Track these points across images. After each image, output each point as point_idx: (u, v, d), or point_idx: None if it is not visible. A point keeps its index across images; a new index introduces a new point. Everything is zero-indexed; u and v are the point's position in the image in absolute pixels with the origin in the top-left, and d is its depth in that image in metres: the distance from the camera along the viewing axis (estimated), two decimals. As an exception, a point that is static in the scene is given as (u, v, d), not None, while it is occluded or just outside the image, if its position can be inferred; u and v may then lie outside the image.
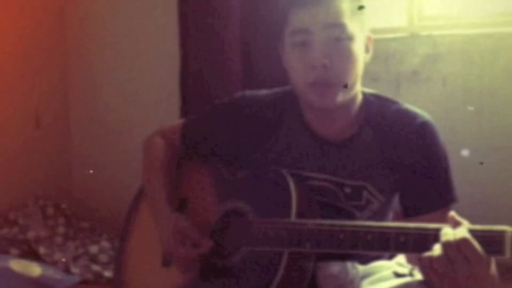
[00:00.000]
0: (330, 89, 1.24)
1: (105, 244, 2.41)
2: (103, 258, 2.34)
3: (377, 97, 1.36)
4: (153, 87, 2.69)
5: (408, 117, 1.30)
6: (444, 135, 2.30)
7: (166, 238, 1.34)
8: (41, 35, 2.68)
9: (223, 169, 1.43)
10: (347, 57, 1.24)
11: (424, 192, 1.29)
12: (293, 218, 1.20)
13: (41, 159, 2.67)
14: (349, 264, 1.26)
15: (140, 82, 2.72)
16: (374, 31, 2.39)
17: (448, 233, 0.99)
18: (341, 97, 1.26)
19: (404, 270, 1.25)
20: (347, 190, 1.31)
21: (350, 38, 1.24)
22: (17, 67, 2.58)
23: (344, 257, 1.27)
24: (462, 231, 0.98)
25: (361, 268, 1.28)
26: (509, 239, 0.96)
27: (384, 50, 2.27)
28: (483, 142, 2.19)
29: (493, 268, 1.01)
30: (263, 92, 1.43)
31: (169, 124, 1.57)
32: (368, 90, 1.37)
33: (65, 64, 2.84)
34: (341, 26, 1.23)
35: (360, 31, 1.27)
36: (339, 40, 1.23)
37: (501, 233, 0.97)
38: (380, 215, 1.35)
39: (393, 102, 1.35)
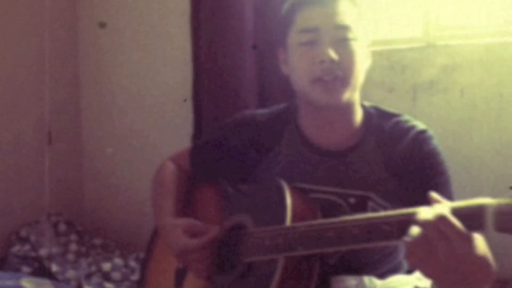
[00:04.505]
0: (336, 84, 1.25)
1: (118, 261, 2.39)
2: (116, 275, 2.32)
3: (377, 109, 1.38)
4: (167, 103, 2.69)
5: (406, 127, 1.32)
6: (462, 146, 2.24)
7: (176, 243, 1.32)
8: (54, 51, 2.69)
9: (229, 186, 1.47)
10: (353, 56, 1.27)
11: (422, 197, 1.24)
12: (288, 223, 1.18)
13: (53, 176, 2.66)
14: (366, 279, 1.22)
15: (153, 97, 2.72)
16: (390, 41, 2.39)
17: (425, 212, 0.93)
18: (346, 96, 1.27)
19: (426, 284, 1.20)
20: (352, 200, 1.29)
21: (355, 39, 1.27)
22: (29, 85, 2.58)
23: (360, 271, 1.23)
24: (439, 209, 0.91)
25: (379, 283, 1.24)
26: (491, 213, 0.87)
27: (400, 61, 2.23)
28: (503, 153, 2.14)
29: (481, 247, 0.93)
30: (262, 110, 1.48)
31: (180, 150, 1.60)
32: (368, 103, 1.39)
33: (77, 80, 2.84)
34: (348, 28, 1.27)
35: (363, 37, 1.31)
36: (346, 40, 1.26)
37: (481, 207, 0.88)
38: None
39: (394, 115, 1.36)
